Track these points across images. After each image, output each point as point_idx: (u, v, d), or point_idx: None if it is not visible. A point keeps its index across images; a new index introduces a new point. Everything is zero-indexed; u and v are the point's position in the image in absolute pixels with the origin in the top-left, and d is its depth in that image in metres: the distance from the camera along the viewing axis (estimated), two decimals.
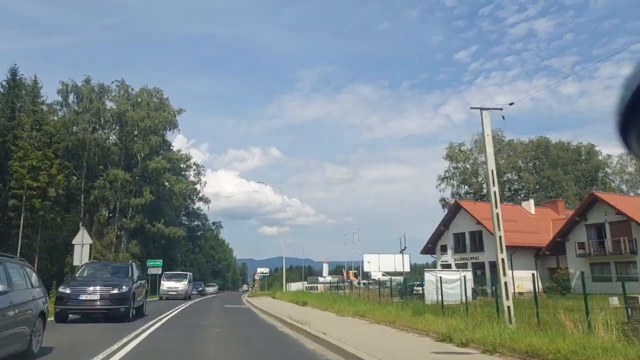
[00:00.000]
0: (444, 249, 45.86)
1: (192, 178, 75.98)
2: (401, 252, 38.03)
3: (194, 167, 77.13)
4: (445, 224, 45.44)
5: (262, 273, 52.88)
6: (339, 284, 38.92)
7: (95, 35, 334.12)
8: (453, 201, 62.50)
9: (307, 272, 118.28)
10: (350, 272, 73.01)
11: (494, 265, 40.89)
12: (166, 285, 32.31)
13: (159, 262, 40.25)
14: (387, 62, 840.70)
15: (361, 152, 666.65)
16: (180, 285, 32.30)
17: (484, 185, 58.77)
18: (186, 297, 31.73)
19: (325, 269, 73.40)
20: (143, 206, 49.71)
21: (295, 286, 56.13)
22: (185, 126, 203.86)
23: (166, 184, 52.16)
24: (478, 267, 42.24)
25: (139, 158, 50.00)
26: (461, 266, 44.49)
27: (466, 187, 62.16)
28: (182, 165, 72.97)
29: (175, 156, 54.86)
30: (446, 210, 63.55)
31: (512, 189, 63.53)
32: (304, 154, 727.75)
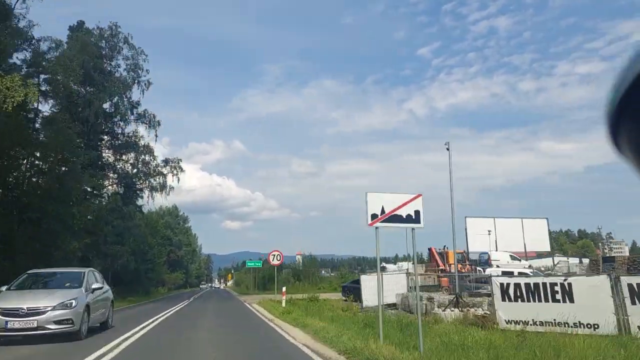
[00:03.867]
0: None
1: (123, 72, 39.83)
2: None
3: (126, 46, 39.80)
4: None
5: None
6: None
7: None
8: None
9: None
10: (450, 252, 37.79)
11: None
12: None
13: None
14: (351, 57, 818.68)
15: (326, 146, 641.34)
16: None
17: None
18: None
19: (299, 261, 64.72)
20: None
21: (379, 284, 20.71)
22: None
23: None
24: None
25: None
26: None
27: None
28: (106, 50, 38.17)
29: None
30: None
31: None
32: (269, 148, 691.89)
